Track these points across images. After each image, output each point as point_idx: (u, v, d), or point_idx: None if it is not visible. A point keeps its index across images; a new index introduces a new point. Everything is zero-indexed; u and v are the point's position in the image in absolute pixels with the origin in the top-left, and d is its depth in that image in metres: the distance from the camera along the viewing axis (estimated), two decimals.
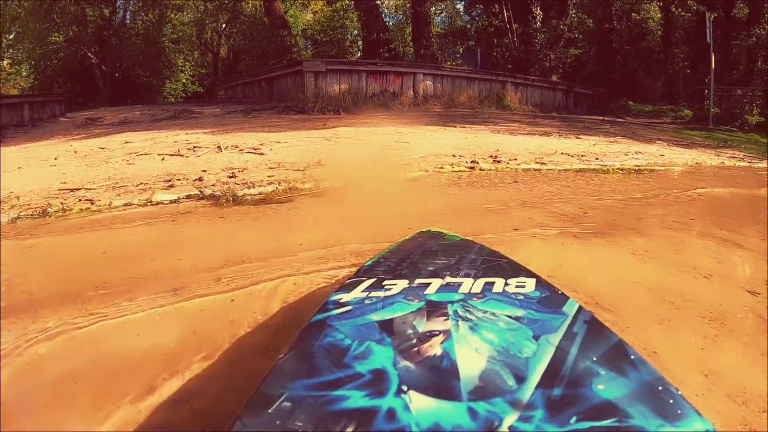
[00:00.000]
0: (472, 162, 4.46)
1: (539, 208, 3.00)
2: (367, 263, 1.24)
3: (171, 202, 3.18)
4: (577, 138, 6.60)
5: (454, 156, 4.73)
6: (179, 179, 3.81)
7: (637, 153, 5.58)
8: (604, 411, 0.69)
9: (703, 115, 11.09)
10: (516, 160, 4.70)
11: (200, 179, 3.79)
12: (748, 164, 5.51)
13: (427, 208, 3.01)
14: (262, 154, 4.82)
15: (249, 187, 3.50)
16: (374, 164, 4.41)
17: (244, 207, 3.08)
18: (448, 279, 1.09)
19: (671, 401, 0.71)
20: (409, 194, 3.51)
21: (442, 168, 4.24)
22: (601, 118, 11.22)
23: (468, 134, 6.38)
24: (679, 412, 0.69)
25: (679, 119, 12.16)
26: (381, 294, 1.03)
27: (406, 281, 1.09)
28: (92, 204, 3.12)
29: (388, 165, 4.36)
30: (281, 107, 9.44)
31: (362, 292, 1.04)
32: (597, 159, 5.01)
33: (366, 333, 0.88)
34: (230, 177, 3.87)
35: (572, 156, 5.06)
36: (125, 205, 3.13)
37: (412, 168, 4.21)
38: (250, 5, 18.78)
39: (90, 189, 3.60)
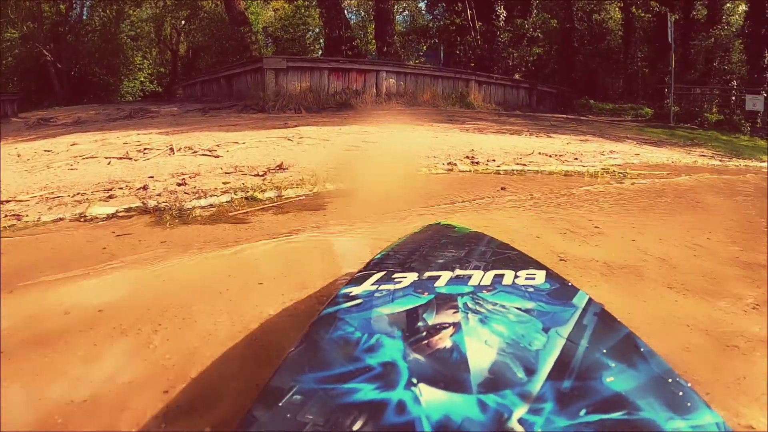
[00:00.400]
0: (449, 164, 4.27)
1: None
2: (376, 256, 1.24)
3: (108, 217, 2.68)
4: (548, 137, 6.62)
5: (428, 157, 4.53)
6: (122, 188, 3.39)
7: (612, 152, 5.58)
8: (614, 403, 0.70)
9: (664, 113, 11.38)
10: (495, 161, 4.53)
11: (145, 187, 3.37)
12: (720, 162, 5.57)
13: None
14: (217, 156, 4.47)
15: (200, 197, 3.03)
16: (342, 167, 4.02)
17: (191, 228, 2.49)
18: (458, 271, 1.09)
19: (681, 394, 0.72)
20: (393, 205, 2.82)
21: (418, 171, 3.99)
22: (565, 116, 11.43)
23: (438, 133, 6.28)
24: (689, 405, 0.70)
25: (640, 117, 12.49)
26: (391, 287, 1.03)
27: (416, 274, 1.09)
28: (18, 220, 2.69)
29: (358, 168, 4.00)
30: (241, 106, 9.27)
31: (372, 285, 1.04)
32: (576, 159, 4.91)
33: (376, 326, 0.87)
34: (179, 184, 3.47)
35: (550, 156, 5.00)
36: (55, 221, 2.67)
37: (385, 171, 3.81)
38: (210, 2, 18.55)
39: (21, 201, 3.18)
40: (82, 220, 2.68)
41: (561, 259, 2.11)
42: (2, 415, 1.06)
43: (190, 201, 2.91)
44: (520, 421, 0.67)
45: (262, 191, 3.14)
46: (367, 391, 0.71)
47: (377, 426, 0.66)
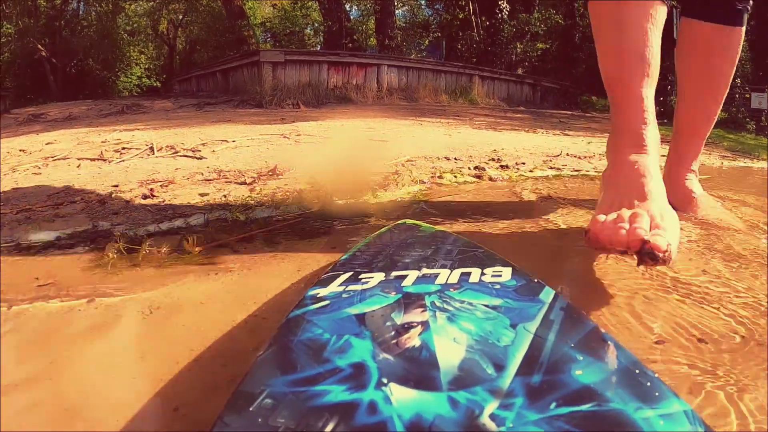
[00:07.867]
0: (476, 168, 3.56)
1: None
2: (343, 257, 1.23)
3: (44, 246, 1.92)
4: (566, 135, 6.34)
5: (448, 159, 3.69)
6: (75, 201, 2.57)
7: None
8: (583, 396, 0.70)
9: (667, 110, 11.34)
10: (524, 163, 3.88)
11: (102, 201, 2.57)
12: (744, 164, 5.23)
13: None
14: (200, 158, 3.72)
15: (165, 218, 2.18)
16: (349, 171, 2.83)
17: (138, 275, 1.60)
18: (425, 270, 1.09)
19: (648, 384, 0.72)
20: None
21: (441, 177, 3.39)
22: (570, 112, 11.30)
23: (450, 130, 5.81)
24: (656, 394, 0.71)
25: None
26: (358, 287, 1.03)
27: (383, 274, 1.09)
28: None
29: (369, 172, 3.25)
30: (237, 101, 8.88)
31: (339, 286, 1.04)
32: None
33: (344, 327, 0.87)
34: (145, 197, 2.62)
35: (579, 158, 4.45)
36: None
37: (403, 177, 3.28)
38: None
39: None
40: (13, 250, 1.94)
41: None
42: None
43: (150, 225, 2.16)
44: (492, 416, 0.67)
45: (244, 210, 2.43)
46: (337, 393, 0.71)
47: (349, 427, 0.66)
